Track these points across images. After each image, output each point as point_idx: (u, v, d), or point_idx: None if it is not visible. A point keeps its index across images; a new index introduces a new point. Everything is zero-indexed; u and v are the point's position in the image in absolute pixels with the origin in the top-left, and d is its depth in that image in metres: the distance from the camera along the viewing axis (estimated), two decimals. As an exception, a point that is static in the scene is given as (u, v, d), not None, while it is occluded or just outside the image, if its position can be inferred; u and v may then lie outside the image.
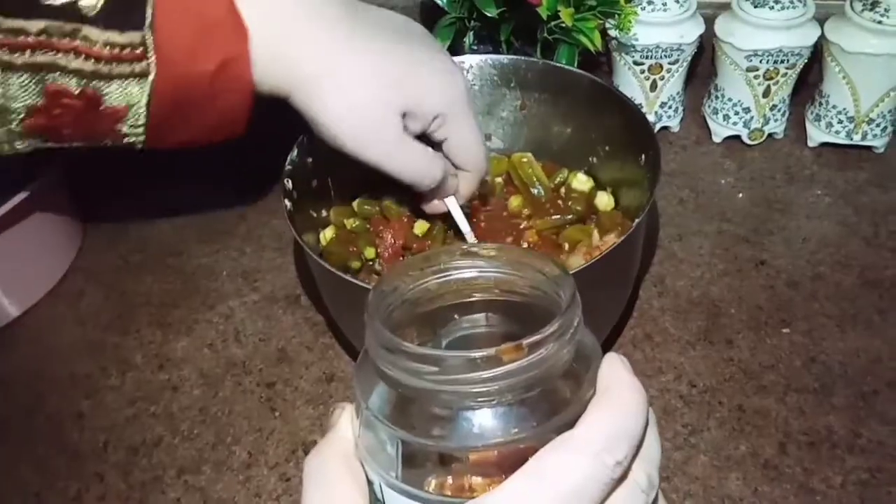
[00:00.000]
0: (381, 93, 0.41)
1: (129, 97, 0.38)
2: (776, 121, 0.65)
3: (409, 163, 0.43)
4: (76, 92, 0.38)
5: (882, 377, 0.49)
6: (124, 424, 0.51)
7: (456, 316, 0.24)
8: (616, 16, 0.58)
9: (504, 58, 0.55)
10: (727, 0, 0.62)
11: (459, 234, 0.50)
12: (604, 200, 0.53)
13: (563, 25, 0.56)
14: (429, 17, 0.58)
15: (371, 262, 0.50)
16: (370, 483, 0.21)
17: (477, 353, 0.19)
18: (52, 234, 0.60)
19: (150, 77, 0.38)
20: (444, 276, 0.23)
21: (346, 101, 0.41)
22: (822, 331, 0.52)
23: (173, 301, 0.58)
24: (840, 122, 0.63)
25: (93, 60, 0.37)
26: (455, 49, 0.60)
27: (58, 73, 0.37)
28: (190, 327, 0.56)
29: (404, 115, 0.42)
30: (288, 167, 0.48)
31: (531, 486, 0.19)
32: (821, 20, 0.61)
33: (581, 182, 0.54)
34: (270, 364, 0.53)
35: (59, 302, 0.59)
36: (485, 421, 0.20)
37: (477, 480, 0.20)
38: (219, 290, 0.59)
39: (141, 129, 0.40)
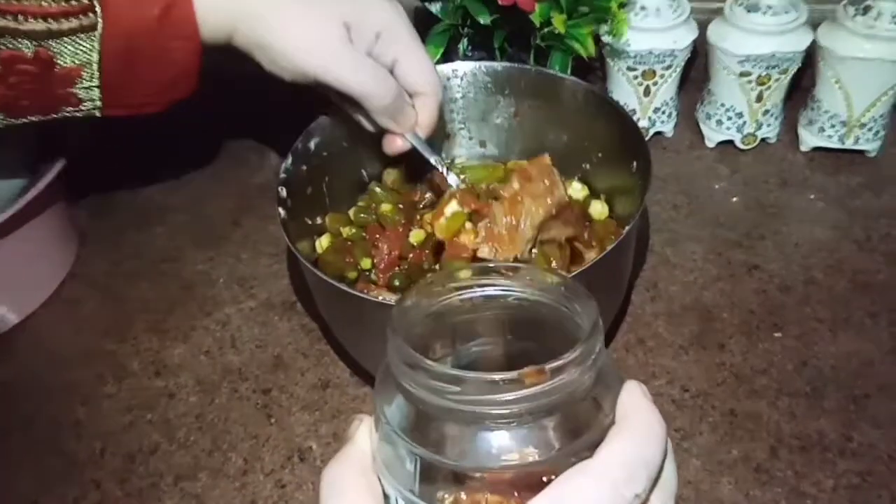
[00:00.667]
0: (323, 8, 0.43)
1: (81, 55, 0.39)
2: (769, 126, 0.66)
3: (356, 72, 0.44)
4: (30, 55, 0.38)
5: (873, 381, 0.49)
6: (121, 431, 0.51)
7: (477, 333, 0.24)
8: (609, 22, 0.58)
9: (498, 65, 0.55)
10: (720, 5, 0.62)
11: (427, 173, 0.52)
12: (598, 209, 0.53)
13: (557, 32, 0.56)
14: (422, 24, 0.58)
15: (367, 273, 0.51)
16: (386, 497, 0.21)
17: (499, 376, 0.19)
18: (50, 241, 0.61)
19: (99, 29, 0.39)
20: (467, 294, 0.24)
21: (289, 19, 0.43)
22: (814, 335, 0.52)
23: (170, 308, 0.59)
24: (833, 126, 0.64)
25: (43, 19, 0.38)
26: (449, 56, 0.61)
27: (9, 37, 0.38)
28: (186, 334, 0.57)
29: (348, 29, 0.44)
30: (282, 175, 0.49)
31: None
32: (813, 25, 0.61)
33: (576, 190, 0.54)
34: (266, 371, 0.54)
35: (56, 309, 0.60)
36: (503, 442, 0.20)
37: (493, 499, 0.20)
38: (215, 296, 0.59)
39: (96, 92, 0.41)
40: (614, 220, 0.53)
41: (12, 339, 0.58)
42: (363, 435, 0.23)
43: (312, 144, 0.52)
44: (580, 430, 0.20)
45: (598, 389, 0.21)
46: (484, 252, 0.45)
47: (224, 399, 0.52)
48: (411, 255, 0.50)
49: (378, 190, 0.54)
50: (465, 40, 0.61)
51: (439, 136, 0.56)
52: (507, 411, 0.19)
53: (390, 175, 0.56)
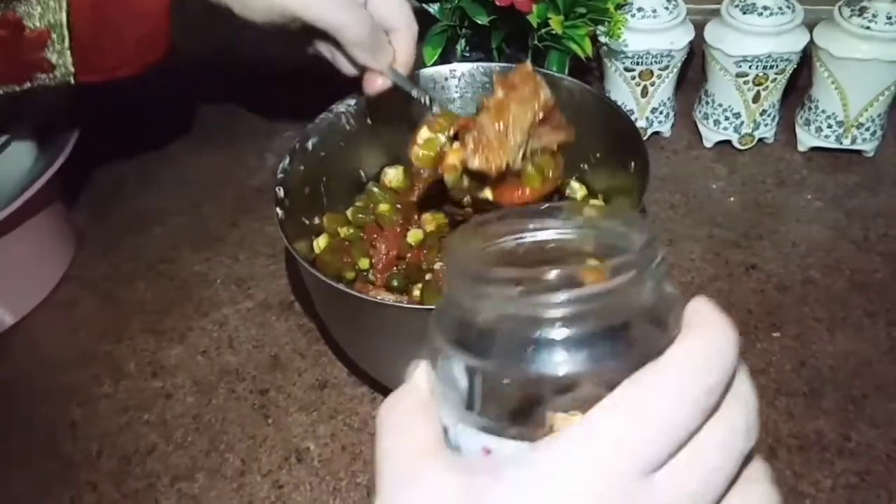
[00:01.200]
0: None
1: (49, 15, 0.39)
2: (766, 126, 0.66)
3: (333, 8, 0.45)
4: None
5: (871, 380, 0.49)
6: (117, 432, 0.51)
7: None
8: (606, 23, 0.58)
9: (496, 65, 0.55)
10: (717, 6, 0.63)
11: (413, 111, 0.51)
12: (595, 207, 0.53)
13: (554, 33, 0.56)
14: (421, 25, 0.58)
15: (365, 273, 0.51)
16: (445, 430, 0.21)
17: (557, 272, 0.18)
18: (46, 243, 0.60)
19: None
20: (520, 238, 0.23)
21: None
22: (812, 334, 0.52)
23: (167, 309, 0.58)
24: (830, 126, 0.64)
25: None
26: (447, 56, 0.61)
27: None
28: (183, 335, 0.56)
29: None
30: (280, 175, 0.49)
31: (622, 409, 0.17)
32: (810, 26, 0.61)
33: (574, 190, 0.54)
34: (264, 371, 0.53)
35: (52, 310, 0.60)
36: (566, 349, 0.19)
37: (558, 415, 0.19)
38: (212, 297, 0.59)
39: (68, 56, 0.41)
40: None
41: (8, 341, 0.57)
42: (419, 374, 0.22)
43: (310, 145, 0.51)
44: (646, 340, 0.19)
45: (662, 305, 0.20)
46: (475, 163, 0.43)
47: (221, 400, 0.52)
48: (409, 256, 0.50)
49: (375, 190, 0.54)
50: (462, 41, 0.61)
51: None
52: (568, 312, 0.18)
53: (389, 175, 0.56)
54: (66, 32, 0.40)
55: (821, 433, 0.47)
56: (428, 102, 0.50)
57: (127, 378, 0.54)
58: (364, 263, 0.50)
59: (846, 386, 0.49)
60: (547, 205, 0.24)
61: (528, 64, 0.48)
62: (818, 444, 0.46)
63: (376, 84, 0.49)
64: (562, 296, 0.18)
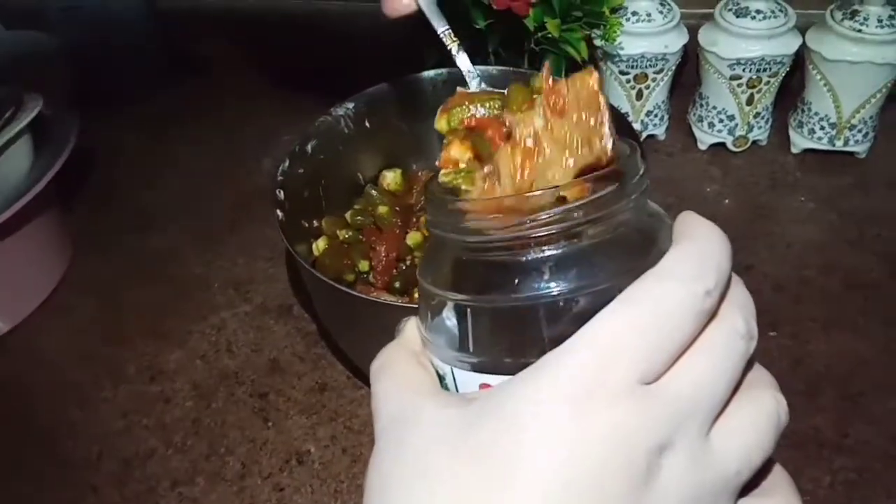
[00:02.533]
0: None
1: None
2: (760, 128, 0.66)
3: None
4: None
5: (867, 378, 0.50)
6: (117, 436, 0.51)
7: None
8: (602, 27, 0.59)
9: (493, 69, 0.56)
10: (710, 10, 0.63)
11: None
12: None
13: (550, 36, 0.56)
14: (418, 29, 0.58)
15: (365, 275, 0.51)
16: (441, 378, 0.20)
17: (538, 192, 0.18)
18: (44, 247, 0.60)
19: None
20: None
21: None
22: (808, 333, 0.53)
23: (165, 312, 0.58)
24: (822, 128, 0.65)
25: None
26: (444, 60, 0.61)
27: None
28: (182, 338, 0.56)
29: None
30: (280, 178, 0.49)
31: (620, 318, 0.17)
32: (802, 29, 0.62)
33: None
34: (263, 374, 0.53)
35: (51, 314, 0.59)
36: (555, 269, 0.18)
37: (553, 336, 0.18)
38: (211, 300, 0.59)
39: None
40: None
41: (7, 345, 0.57)
42: (410, 327, 0.22)
43: (309, 147, 0.52)
44: (638, 256, 0.19)
45: (651, 221, 0.20)
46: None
47: (220, 403, 0.52)
48: (409, 258, 0.50)
49: (374, 192, 0.54)
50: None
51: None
52: (553, 231, 0.18)
53: (387, 178, 0.56)
54: None
55: (818, 430, 0.47)
56: (455, 50, 0.41)
57: (126, 382, 0.54)
58: (364, 266, 0.50)
59: (843, 384, 0.50)
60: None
61: (595, 76, 0.30)
62: (816, 441, 0.47)
63: (399, 4, 0.40)
64: (544, 215, 0.18)
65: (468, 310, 0.19)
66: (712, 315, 0.18)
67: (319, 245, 0.52)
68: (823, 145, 0.65)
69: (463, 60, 0.40)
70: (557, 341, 0.17)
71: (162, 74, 0.82)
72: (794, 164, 0.66)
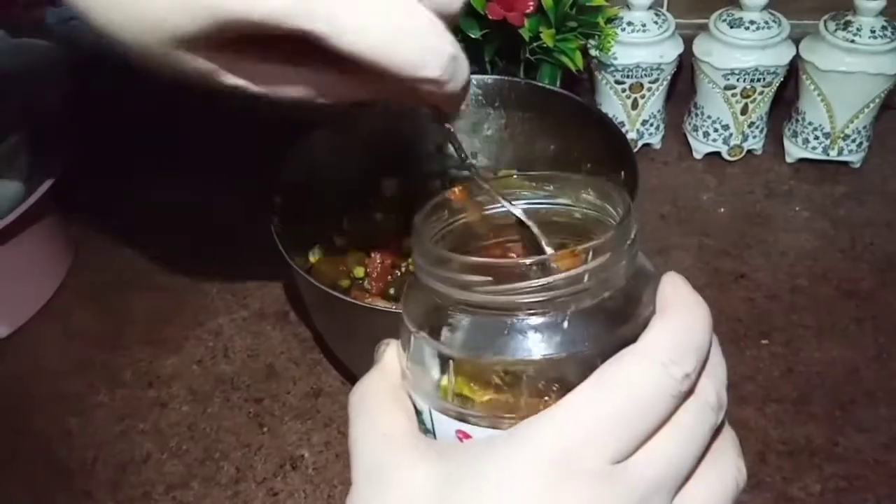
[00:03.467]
0: None
1: None
2: (755, 137, 0.67)
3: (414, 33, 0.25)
4: None
5: (859, 386, 0.50)
6: (113, 441, 0.51)
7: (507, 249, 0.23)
8: (596, 36, 0.59)
9: (488, 78, 0.56)
10: (705, 21, 0.64)
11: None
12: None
13: (545, 46, 0.57)
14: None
15: (360, 281, 0.51)
16: (419, 413, 0.21)
17: (530, 260, 0.18)
18: (43, 253, 0.61)
19: None
20: (492, 208, 0.22)
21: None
22: (801, 342, 0.53)
23: (163, 319, 0.59)
24: (816, 138, 0.65)
25: None
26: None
27: None
28: (179, 344, 0.57)
29: None
30: (277, 184, 0.49)
31: (593, 398, 0.17)
32: (796, 40, 0.62)
33: None
34: (259, 380, 0.54)
35: (49, 320, 0.60)
36: (540, 334, 0.18)
37: (532, 400, 0.19)
38: (208, 307, 0.59)
39: None
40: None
41: (4, 350, 0.58)
42: (390, 356, 0.22)
43: (307, 154, 0.52)
44: (621, 322, 0.19)
45: (637, 282, 0.20)
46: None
47: (216, 408, 0.52)
48: (404, 265, 0.51)
49: (371, 200, 0.55)
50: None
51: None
52: (542, 298, 0.18)
53: (385, 186, 0.56)
54: None
55: (809, 438, 0.48)
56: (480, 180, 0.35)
57: (122, 387, 0.54)
58: (359, 272, 0.50)
59: (834, 392, 0.50)
60: (521, 174, 0.23)
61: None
62: (807, 449, 0.47)
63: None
64: (535, 283, 0.18)
65: (450, 360, 0.19)
66: (689, 391, 0.18)
67: (316, 252, 0.53)
68: (817, 155, 0.66)
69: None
70: (536, 406, 0.18)
71: (161, 83, 0.83)
72: (789, 173, 0.67)
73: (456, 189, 0.23)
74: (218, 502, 0.47)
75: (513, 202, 0.22)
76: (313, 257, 0.52)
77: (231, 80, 0.26)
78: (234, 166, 0.72)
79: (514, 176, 0.24)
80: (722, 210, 0.64)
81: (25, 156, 0.58)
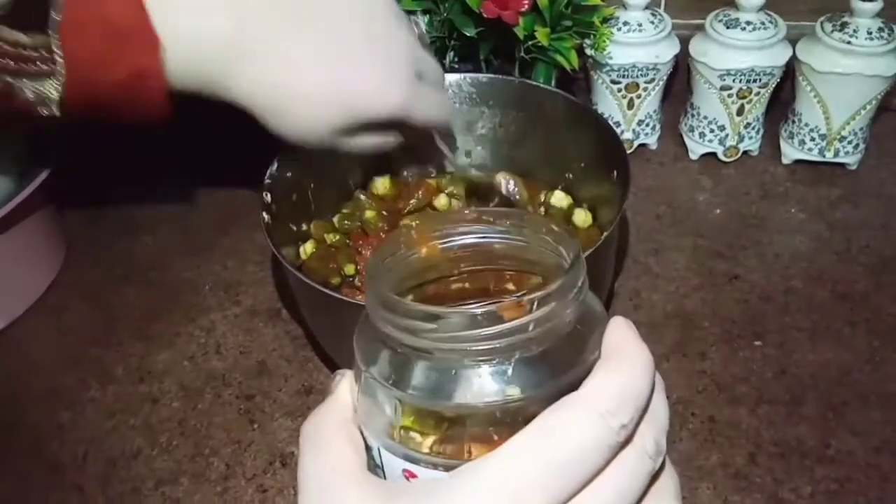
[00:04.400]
0: (329, 120, 0.43)
1: (42, 93, 0.38)
2: (751, 138, 0.67)
3: (369, 145, 0.46)
4: None
5: (852, 388, 0.50)
6: (104, 436, 0.51)
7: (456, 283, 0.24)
8: (592, 36, 0.59)
9: (482, 76, 0.56)
10: (701, 21, 0.64)
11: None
12: (581, 217, 0.54)
13: (540, 45, 0.57)
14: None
15: (351, 279, 0.51)
16: (369, 449, 0.21)
17: (476, 309, 0.19)
18: (36, 247, 0.61)
19: (59, 80, 0.38)
20: (447, 242, 0.23)
21: (296, 127, 0.43)
22: (794, 343, 0.53)
23: (155, 314, 0.59)
24: (813, 139, 0.65)
25: (2, 58, 0.37)
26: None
27: None
28: (171, 340, 0.57)
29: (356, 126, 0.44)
30: (267, 181, 0.49)
31: (532, 447, 0.18)
32: (792, 41, 0.62)
33: (559, 199, 0.55)
34: (250, 377, 0.54)
35: (41, 315, 0.60)
36: (484, 381, 0.19)
37: (476, 443, 0.19)
38: (200, 303, 0.59)
39: (58, 114, 0.40)
40: (597, 228, 0.53)
41: (-3, 345, 0.58)
42: (344, 388, 0.22)
43: (298, 151, 0.52)
44: (566, 368, 0.20)
45: (583, 327, 0.20)
46: None
47: (207, 404, 0.52)
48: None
49: (362, 197, 0.55)
50: (450, 52, 0.62)
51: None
52: (487, 347, 0.19)
53: (377, 183, 0.56)
54: (56, 106, 0.39)
55: (801, 440, 0.47)
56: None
57: (114, 382, 0.54)
58: (350, 269, 0.50)
59: (827, 394, 0.50)
60: (477, 209, 0.24)
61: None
62: (798, 451, 0.47)
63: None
64: (482, 332, 0.19)
65: (397, 401, 0.20)
66: (627, 440, 0.19)
67: (307, 249, 0.53)
68: (814, 156, 0.66)
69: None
70: (480, 450, 0.19)
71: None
72: (785, 174, 0.67)
73: (413, 223, 0.24)
74: (207, 498, 0.47)
75: (467, 233, 0.23)
76: (304, 254, 0.52)
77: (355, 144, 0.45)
78: (227, 163, 0.72)
79: (473, 209, 0.24)
80: (717, 211, 0.64)
81: (19, 149, 0.58)
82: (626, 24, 0.63)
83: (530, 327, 0.19)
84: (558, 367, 0.20)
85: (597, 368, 0.19)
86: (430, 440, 0.20)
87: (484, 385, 0.19)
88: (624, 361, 0.19)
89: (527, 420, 0.18)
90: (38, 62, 0.37)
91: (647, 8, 0.63)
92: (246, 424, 0.51)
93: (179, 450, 0.50)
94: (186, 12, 0.39)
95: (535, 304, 0.19)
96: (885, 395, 0.49)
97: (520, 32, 0.56)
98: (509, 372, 0.19)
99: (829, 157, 0.65)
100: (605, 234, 0.44)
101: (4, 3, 0.36)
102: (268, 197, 0.48)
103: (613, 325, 0.20)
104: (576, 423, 0.18)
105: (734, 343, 0.53)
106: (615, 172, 0.49)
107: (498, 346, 0.19)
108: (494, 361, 0.19)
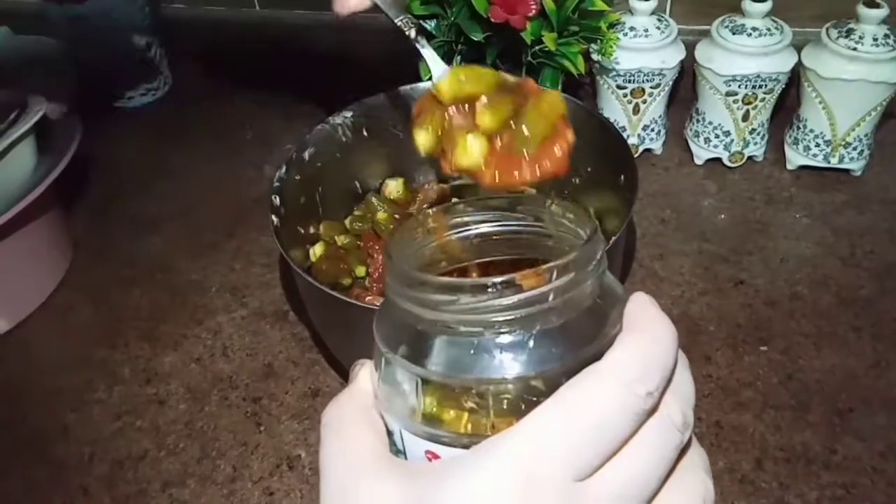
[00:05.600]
0: None
1: None
2: (756, 144, 0.67)
3: None
4: None
5: (857, 394, 0.50)
6: (110, 438, 0.51)
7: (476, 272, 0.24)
8: (598, 41, 0.59)
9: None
10: (707, 27, 0.64)
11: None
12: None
13: (547, 50, 0.57)
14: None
15: (362, 280, 0.51)
16: (390, 434, 0.21)
17: (495, 280, 0.18)
18: (44, 249, 0.61)
19: None
20: (464, 231, 0.23)
21: None
22: (799, 349, 0.53)
23: (162, 316, 0.59)
24: (818, 145, 0.65)
25: None
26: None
27: None
28: (178, 342, 0.57)
29: None
30: (276, 184, 0.49)
31: (558, 416, 0.18)
32: (798, 47, 0.63)
33: None
34: (257, 379, 0.54)
35: (49, 316, 0.60)
36: (505, 353, 0.19)
37: (499, 419, 0.19)
38: (207, 305, 0.59)
39: None
40: (603, 234, 0.53)
41: (4, 346, 0.58)
42: (364, 376, 0.22)
43: (307, 154, 0.52)
44: (587, 340, 0.19)
45: (604, 301, 0.20)
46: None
47: (214, 407, 0.52)
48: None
49: (374, 200, 0.55)
50: (458, 57, 0.62)
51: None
52: (507, 318, 0.18)
53: (389, 186, 0.57)
54: None
55: (807, 446, 0.47)
56: (414, 34, 0.41)
57: (121, 384, 0.54)
58: (361, 271, 0.50)
59: (832, 399, 0.50)
60: (493, 196, 0.24)
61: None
62: (804, 456, 0.47)
63: (349, 3, 0.42)
64: (501, 301, 0.18)
65: (419, 380, 0.20)
66: (653, 408, 0.18)
67: (316, 251, 0.53)
68: (818, 162, 0.66)
69: (425, 49, 0.41)
70: (503, 425, 0.18)
71: (163, 82, 0.84)
72: (790, 180, 0.67)
73: (430, 211, 0.24)
74: (214, 501, 0.47)
75: (483, 221, 0.23)
76: (314, 256, 0.52)
77: None
78: (237, 164, 0.72)
79: (486, 197, 0.24)
80: (722, 216, 0.64)
81: (29, 150, 0.59)
82: (632, 29, 0.63)
83: (550, 297, 0.19)
84: (580, 339, 0.19)
85: (619, 340, 0.19)
86: (451, 418, 0.20)
87: (505, 358, 0.19)
88: (646, 331, 0.19)
89: (549, 393, 0.18)
90: None
91: (653, 13, 0.63)
92: (253, 427, 0.51)
93: (186, 452, 0.50)
94: None
95: (554, 273, 0.19)
96: (891, 400, 0.50)
97: (527, 37, 0.56)
98: (530, 344, 0.19)
99: (833, 162, 0.65)
100: (613, 238, 0.44)
101: None
102: (276, 200, 0.48)
103: (635, 298, 0.20)
104: (599, 392, 0.18)
105: (740, 348, 0.53)
106: (622, 178, 0.49)
107: (518, 316, 0.19)
108: (515, 333, 0.19)
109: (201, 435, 0.51)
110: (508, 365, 0.19)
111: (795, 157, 0.67)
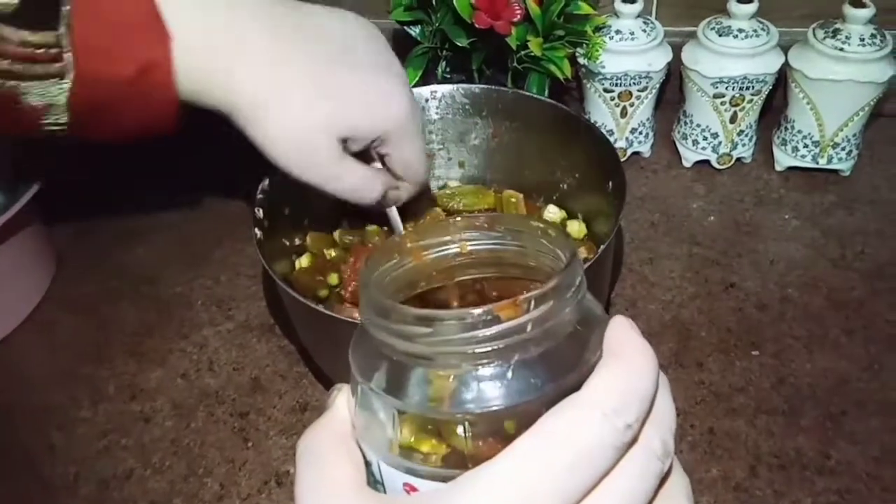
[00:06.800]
0: (320, 121, 0.42)
1: (48, 97, 0.38)
2: (744, 145, 0.67)
3: (348, 184, 0.44)
4: None
5: (850, 397, 0.50)
6: (96, 456, 0.50)
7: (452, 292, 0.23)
8: (584, 45, 0.59)
9: (475, 87, 0.56)
10: (693, 29, 0.64)
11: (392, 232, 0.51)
12: (575, 228, 0.53)
13: (533, 54, 0.57)
14: (402, 47, 0.59)
15: (336, 288, 0.51)
16: (368, 464, 0.20)
17: (472, 311, 0.18)
18: (26, 263, 0.60)
19: (68, 78, 0.37)
20: (441, 251, 0.22)
21: (284, 130, 0.41)
22: (791, 352, 0.53)
23: (147, 330, 0.58)
24: (806, 146, 0.65)
25: (8, 60, 0.36)
26: (427, 78, 0.61)
27: None
28: (164, 357, 0.56)
29: (344, 140, 0.43)
30: (259, 196, 0.49)
31: (533, 450, 0.17)
32: (784, 48, 0.62)
33: (552, 213, 0.55)
34: (244, 394, 0.53)
35: (32, 331, 0.59)
36: (484, 385, 0.18)
37: (478, 452, 0.19)
38: (193, 318, 0.59)
39: (63, 126, 0.39)
40: (592, 239, 0.53)
41: (-14, 364, 0.57)
42: (341, 403, 0.22)
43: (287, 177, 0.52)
44: (566, 370, 0.19)
45: (583, 327, 0.20)
46: None
47: (200, 423, 0.52)
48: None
49: (364, 213, 0.54)
50: (443, 63, 0.62)
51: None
52: (485, 349, 0.18)
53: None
54: (64, 112, 0.38)
55: (800, 451, 0.47)
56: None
57: (106, 401, 0.54)
58: (333, 279, 0.50)
59: (825, 403, 0.50)
60: (469, 216, 0.23)
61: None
62: (798, 462, 0.47)
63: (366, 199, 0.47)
64: (479, 333, 0.18)
65: (395, 411, 0.19)
66: (633, 439, 0.18)
67: (302, 262, 0.52)
68: (807, 163, 0.66)
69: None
70: (481, 458, 0.18)
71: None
72: (778, 181, 0.66)
73: (405, 233, 0.23)
74: (201, 519, 0.46)
75: (461, 241, 0.23)
76: (299, 267, 0.52)
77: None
78: (221, 177, 0.72)
79: (467, 216, 0.24)
80: (711, 218, 0.64)
81: (9, 162, 0.58)
82: (618, 32, 0.62)
83: (528, 327, 0.18)
84: (559, 368, 0.19)
85: (598, 368, 0.19)
86: (430, 451, 0.19)
87: (483, 390, 0.18)
88: (626, 359, 0.19)
89: (529, 425, 0.18)
90: (45, 61, 0.36)
91: (639, 16, 0.63)
92: (240, 443, 0.50)
93: (173, 470, 0.49)
94: (192, 6, 0.39)
95: (532, 303, 0.18)
96: (884, 403, 0.49)
97: (512, 42, 0.56)
98: (509, 375, 0.18)
99: (822, 163, 0.65)
100: (603, 246, 0.43)
101: (9, 3, 0.35)
102: (260, 213, 0.48)
103: (614, 324, 0.20)
104: (578, 424, 0.17)
105: (731, 353, 0.53)
106: (610, 183, 0.49)
107: (496, 348, 0.18)
108: (493, 364, 0.18)
109: (188, 452, 0.50)
110: (487, 397, 0.18)
111: (784, 158, 0.66)
